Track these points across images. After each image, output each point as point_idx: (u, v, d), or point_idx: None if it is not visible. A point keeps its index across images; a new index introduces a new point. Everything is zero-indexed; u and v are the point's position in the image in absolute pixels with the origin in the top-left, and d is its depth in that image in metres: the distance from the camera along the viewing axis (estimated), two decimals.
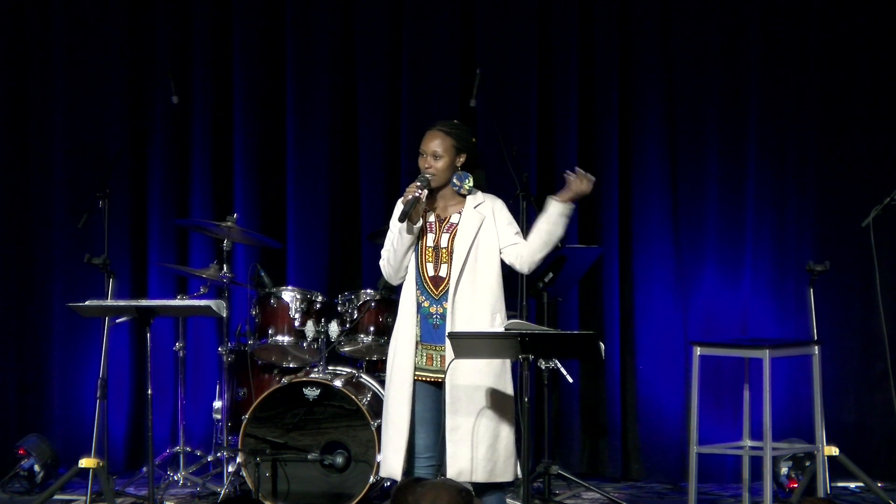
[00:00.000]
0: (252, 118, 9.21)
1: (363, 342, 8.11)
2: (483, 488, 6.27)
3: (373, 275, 8.73)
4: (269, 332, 8.15)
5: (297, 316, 8.12)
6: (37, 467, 8.53)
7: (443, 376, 6.24)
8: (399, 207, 6.33)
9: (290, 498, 7.74)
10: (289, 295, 8.16)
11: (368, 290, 8.16)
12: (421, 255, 6.29)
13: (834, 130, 8.86)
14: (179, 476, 8.34)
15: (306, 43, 9.16)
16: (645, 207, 8.98)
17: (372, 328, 8.10)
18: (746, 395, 7.83)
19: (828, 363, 8.14)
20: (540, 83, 9.07)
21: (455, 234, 6.26)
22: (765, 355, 7.45)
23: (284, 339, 8.13)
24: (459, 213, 6.30)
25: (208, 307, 6.98)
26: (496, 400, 6.24)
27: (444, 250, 6.27)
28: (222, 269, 8.28)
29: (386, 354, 8.12)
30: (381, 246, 8.88)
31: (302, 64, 9.16)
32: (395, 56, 9.15)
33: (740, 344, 7.82)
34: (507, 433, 6.26)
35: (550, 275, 8.13)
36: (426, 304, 6.28)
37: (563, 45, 9.05)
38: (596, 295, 9.02)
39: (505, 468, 6.29)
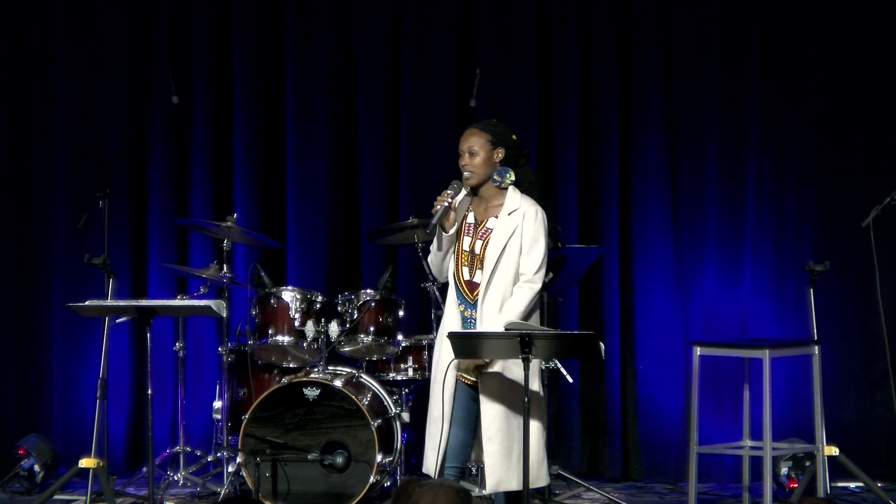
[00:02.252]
0: (252, 118, 9.21)
1: (363, 342, 8.11)
2: (517, 495, 6.26)
3: (373, 275, 8.74)
4: (269, 332, 8.14)
5: (297, 316, 8.12)
6: (37, 467, 8.53)
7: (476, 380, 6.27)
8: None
9: (290, 498, 7.73)
10: (289, 295, 8.16)
11: (368, 290, 8.16)
12: (458, 258, 6.30)
13: (834, 130, 8.86)
14: (179, 476, 8.33)
15: (306, 43, 9.16)
16: (645, 207, 8.98)
17: (372, 328, 8.10)
18: (746, 395, 7.83)
19: (828, 363, 8.14)
20: (540, 83, 9.07)
21: (488, 241, 6.27)
22: (765, 355, 7.45)
23: (284, 339, 8.13)
24: (496, 217, 6.30)
25: (208, 307, 6.97)
26: (531, 406, 6.24)
27: (477, 256, 6.28)
28: (222, 269, 8.28)
29: (386, 355, 8.19)
30: (383, 246, 8.96)
31: (302, 64, 9.16)
32: (396, 56, 9.15)
33: (740, 344, 7.82)
34: (537, 438, 6.28)
35: (550, 275, 8.11)
36: (461, 307, 6.30)
37: (563, 45, 9.05)
38: (596, 295, 9.02)
39: (539, 474, 6.30)
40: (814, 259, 8.04)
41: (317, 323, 8.08)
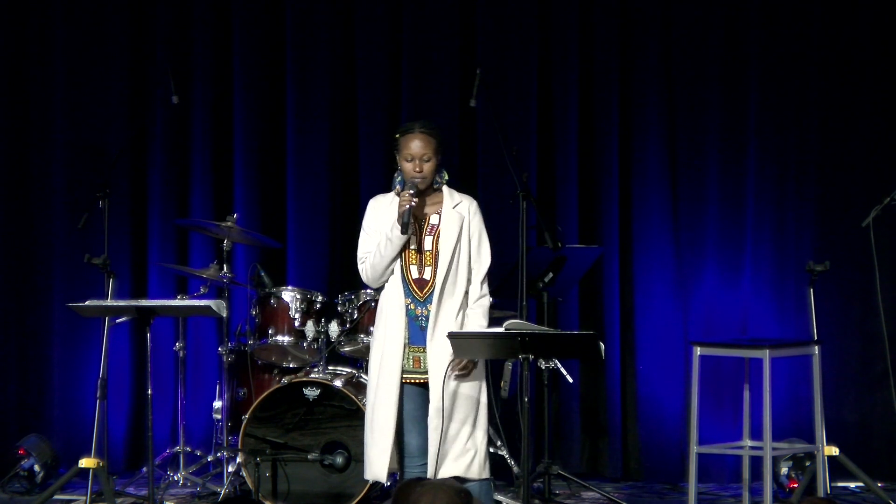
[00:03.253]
0: (252, 118, 9.21)
1: (363, 342, 8.11)
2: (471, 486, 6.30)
3: None
4: (269, 332, 8.14)
5: (297, 316, 8.12)
6: (37, 467, 8.53)
7: (428, 377, 6.28)
8: (371, 209, 6.37)
9: (290, 498, 7.74)
10: (289, 295, 8.16)
11: (368, 290, 8.14)
12: (404, 257, 6.32)
13: (834, 130, 8.86)
14: (179, 476, 8.34)
15: (306, 43, 9.16)
16: (645, 207, 8.98)
17: (372, 328, 8.09)
18: (746, 395, 7.83)
19: (828, 363, 8.14)
20: (540, 83, 9.07)
21: (438, 237, 6.29)
22: (765, 355, 7.45)
23: (284, 339, 8.13)
24: (438, 213, 6.34)
25: (208, 307, 6.98)
26: (477, 398, 6.28)
27: (427, 253, 6.30)
28: (222, 269, 8.28)
29: None
30: None
31: (302, 64, 9.16)
32: (396, 56, 9.15)
33: (740, 344, 7.82)
34: (484, 429, 6.33)
35: (550, 275, 8.13)
36: (412, 306, 6.32)
37: (563, 45, 9.05)
38: (596, 295, 9.02)
39: (482, 467, 6.34)
40: (814, 259, 8.03)
41: (317, 323, 8.08)
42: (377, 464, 6.31)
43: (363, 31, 9.15)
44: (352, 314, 8.09)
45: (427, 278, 6.30)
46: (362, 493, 7.65)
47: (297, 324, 8.11)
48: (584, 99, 9.07)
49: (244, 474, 7.76)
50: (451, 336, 6.08)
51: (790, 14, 8.88)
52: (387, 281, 6.37)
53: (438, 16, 9.11)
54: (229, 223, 8.25)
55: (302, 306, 8.13)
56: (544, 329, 6.27)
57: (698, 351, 7.69)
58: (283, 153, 9.18)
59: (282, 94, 9.18)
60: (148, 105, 9.19)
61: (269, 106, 9.23)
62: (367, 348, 8.15)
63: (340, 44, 9.18)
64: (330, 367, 8.00)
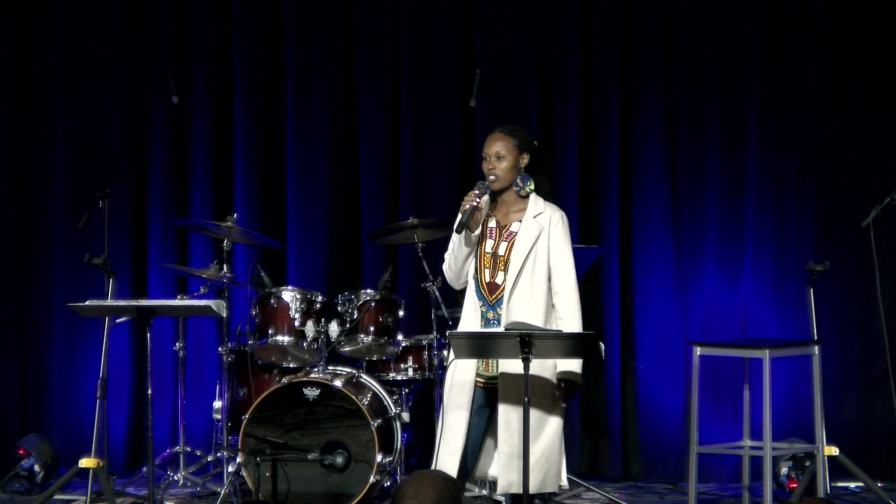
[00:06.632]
0: (252, 118, 9.21)
1: (363, 342, 8.11)
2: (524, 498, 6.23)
3: (373, 275, 8.74)
4: (269, 332, 8.14)
5: (297, 316, 8.12)
6: (37, 467, 8.53)
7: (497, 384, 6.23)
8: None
9: (290, 498, 7.73)
10: (289, 295, 8.16)
11: (368, 290, 8.16)
12: (480, 260, 6.29)
13: (834, 130, 8.86)
14: (179, 476, 8.33)
15: (306, 43, 9.16)
16: (645, 207, 8.98)
17: (372, 328, 8.10)
18: (746, 395, 7.83)
19: (828, 363, 8.14)
20: (540, 83, 9.07)
21: (513, 244, 6.25)
22: (765, 355, 7.45)
23: (284, 339, 8.13)
24: (520, 221, 6.28)
25: (208, 307, 6.97)
26: (547, 409, 6.22)
27: (501, 258, 6.25)
28: (222, 269, 8.28)
29: (386, 355, 8.19)
30: (383, 246, 8.96)
31: (302, 64, 9.16)
32: (396, 56, 9.15)
33: (740, 344, 7.82)
34: (557, 442, 6.26)
35: None
36: (483, 309, 6.28)
37: (564, 45, 9.05)
38: (596, 295, 9.02)
39: (557, 476, 6.27)
40: (814, 259, 8.04)
41: (317, 323, 8.08)
42: (448, 464, 6.22)
43: (363, 31, 9.16)
44: (352, 314, 8.09)
45: (499, 283, 6.26)
46: (362, 493, 7.65)
47: (297, 324, 8.11)
48: (584, 99, 9.07)
49: (244, 474, 7.76)
50: (451, 336, 6.07)
51: (790, 14, 8.88)
52: (466, 283, 6.36)
53: (438, 16, 9.12)
54: (229, 223, 8.25)
55: (302, 306, 8.13)
56: (544, 329, 6.26)
57: (698, 351, 7.69)
58: (283, 153, 9.18)
59: (282, 94, 9.19)
60: (148, 105, 9.19)
61: (269, 106, 9.23)
62: (367, 348, 8.17)
63: (340, 44, 9.18)
64: (330, 367, 8.00)
